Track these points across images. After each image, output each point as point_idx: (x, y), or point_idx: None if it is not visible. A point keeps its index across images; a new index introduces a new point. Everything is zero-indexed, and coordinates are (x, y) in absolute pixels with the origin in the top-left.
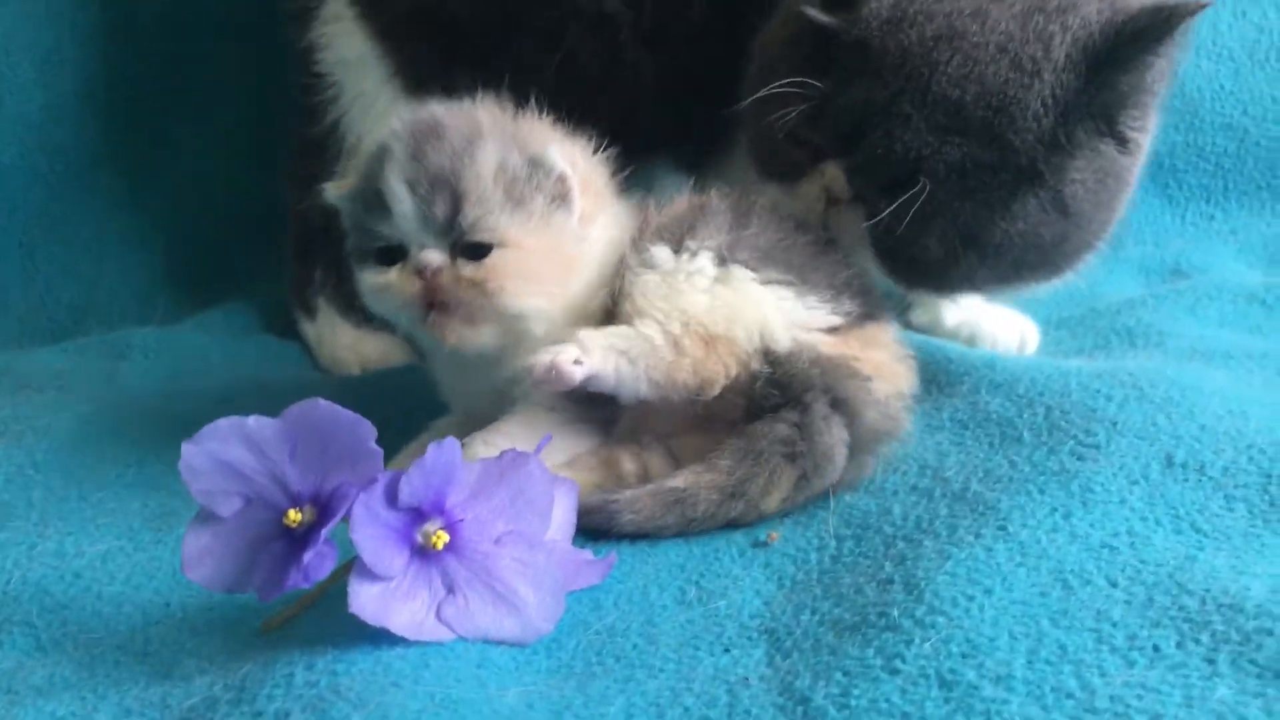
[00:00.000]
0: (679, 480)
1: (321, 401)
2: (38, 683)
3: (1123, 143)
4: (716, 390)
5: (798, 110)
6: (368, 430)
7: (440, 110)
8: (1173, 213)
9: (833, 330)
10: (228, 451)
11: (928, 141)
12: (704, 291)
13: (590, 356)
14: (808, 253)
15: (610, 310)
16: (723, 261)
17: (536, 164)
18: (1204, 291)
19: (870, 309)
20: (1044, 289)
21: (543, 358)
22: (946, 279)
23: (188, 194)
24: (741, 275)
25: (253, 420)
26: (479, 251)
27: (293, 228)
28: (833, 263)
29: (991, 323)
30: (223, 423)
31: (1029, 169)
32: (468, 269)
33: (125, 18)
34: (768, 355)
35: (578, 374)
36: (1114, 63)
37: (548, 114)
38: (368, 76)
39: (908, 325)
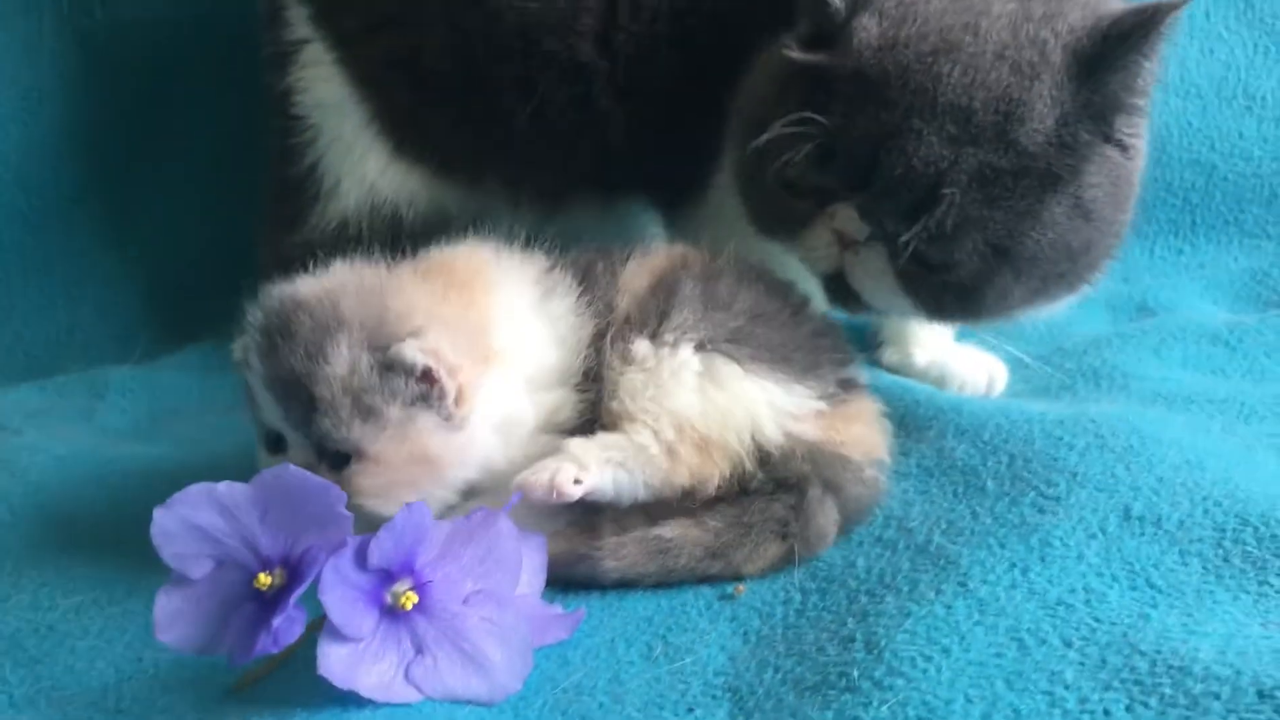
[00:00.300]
0: (665, 530)
1: (291, 467)
2: None
3: (1123, 149)
4: (712, 490)
5: (803, 152)
6: (337, 495)
7: (301, 292)
8: (1141, 247)
9: (818, 413)
10: (199, 516)
11: (944, 155)
12: (692, 390)
13: (588, 473)
14: (785, 323)
15: (586, 411)
16: (704, 350)
17: (390, 367)
18: (1169, 331)
19: (848, 377)
20: (1058, 307)
21: (540, 477)
22: (981, 301)
23: (167, 232)
24: (726, 369)
25: (224, 485)
26: (337, 460)
27: (268, 269)
28: (810, 331)
29: (960, 363)
30: (194, 489)
31: (1045, 172)
32: (330, 475)
33: (106, 56)
34: (760, 452)
35: (577, 491)
36: (1104, 65)
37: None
38: (346, 121)
39: (877, 365)
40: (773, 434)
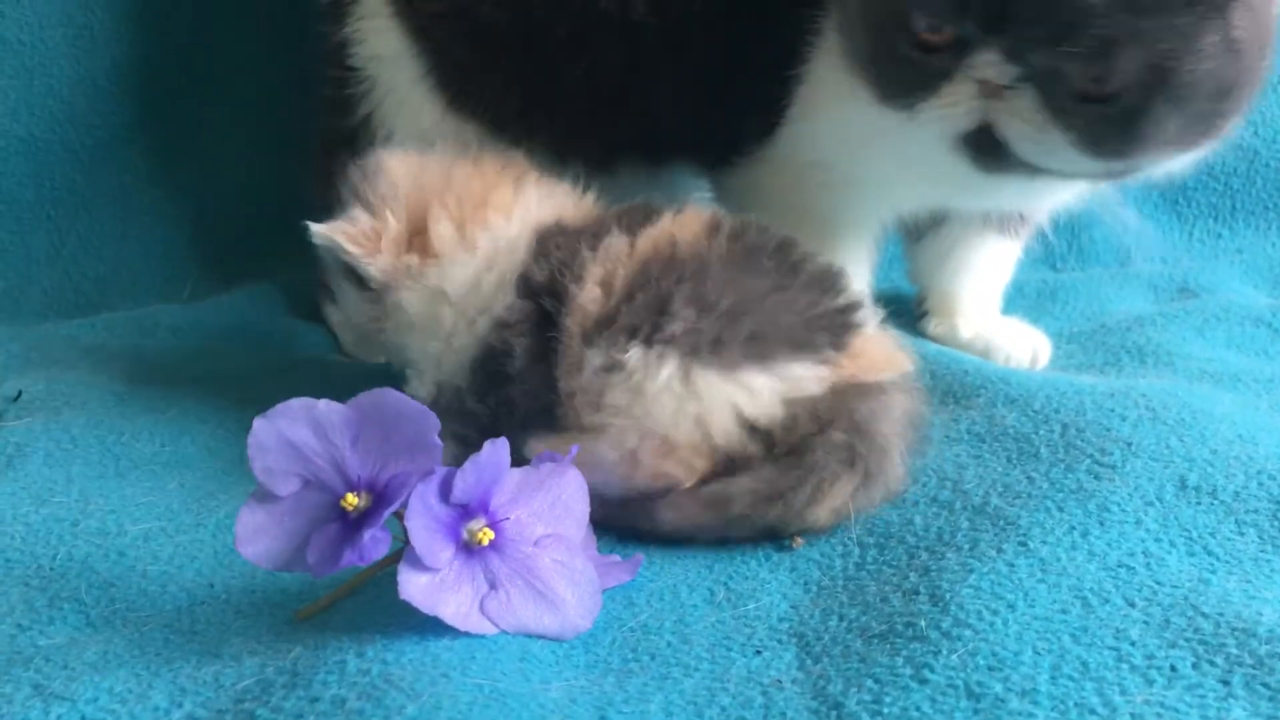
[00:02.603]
0: (719, 484)
1: (390, 391)
2: (92, 659)
3: None
4: (688, 483)
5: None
6: (432, 423)
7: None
8: (1181, 230)
9: (829, 364)
10: (295, 431)
11: None
12: (670, 405)
13: None
14: (776, 301)
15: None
16: (688, 359)
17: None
18: (1212, 312)
19: (848, 320)
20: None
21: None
22: (1140, 132)
23: (214, 174)
24: (707, 376)
25: (323, 403)
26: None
27: (318, 215)
28: (804, 284)
29: (1005, 336)
30: (295, 402)
31: None
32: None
33: None
34: (764, 435)
35: None
36: None
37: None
38: (401, 73)
39: (922, 335)
40: (768, 412)
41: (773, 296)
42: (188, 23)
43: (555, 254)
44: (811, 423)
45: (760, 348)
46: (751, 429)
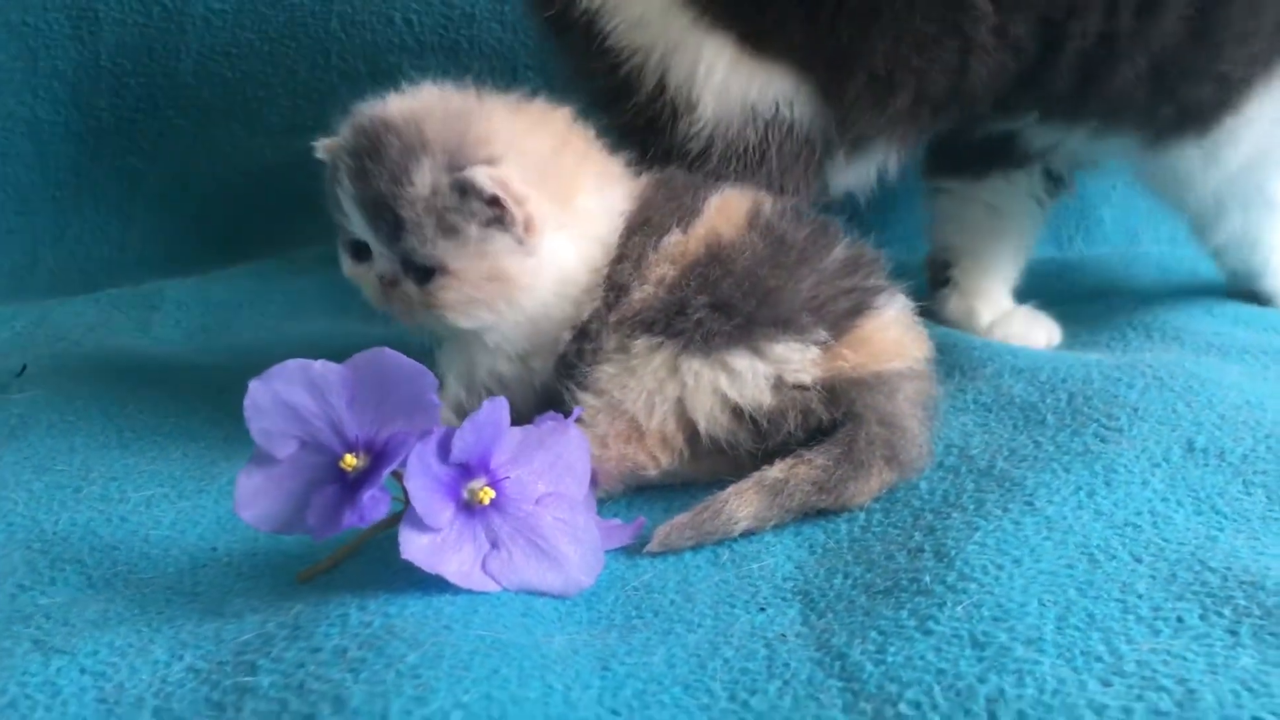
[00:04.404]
0: (776, 471)
1: (387, 350)
2: (92, 617)
3: None
4: (653, 473)
5: None
6: (429, 382)
7: (389, 113)
8: None
9: (824, 349)
10: (291, 393)
11: None
12: (652, 385)
13: None
14: (781, 271)
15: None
16: (685, 347)
17: (465, 189)
18: (1221, 290)
19: (856, 302)
20: None
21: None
22: None
23: (218, 157)
24: (693, 364)
25: (319, 364)
26: (422, 274)
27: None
28: (809, 273)
29: (1023, 324)
30: (290, 363)
31: None
32: (413, 288)
33: None
34: (752, 417)
35: None
36: None
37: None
38: None
39: (937, 315)
40: (756, 399)
41: (783, 285)
42: (191, 6)
43: (633, 254)
44: (812, 411)
45: (749, 331)
46: (738, 414)
